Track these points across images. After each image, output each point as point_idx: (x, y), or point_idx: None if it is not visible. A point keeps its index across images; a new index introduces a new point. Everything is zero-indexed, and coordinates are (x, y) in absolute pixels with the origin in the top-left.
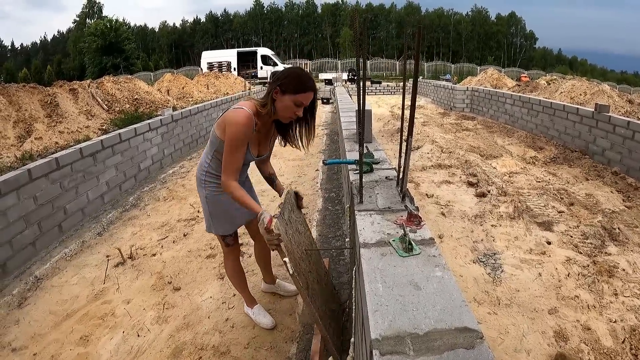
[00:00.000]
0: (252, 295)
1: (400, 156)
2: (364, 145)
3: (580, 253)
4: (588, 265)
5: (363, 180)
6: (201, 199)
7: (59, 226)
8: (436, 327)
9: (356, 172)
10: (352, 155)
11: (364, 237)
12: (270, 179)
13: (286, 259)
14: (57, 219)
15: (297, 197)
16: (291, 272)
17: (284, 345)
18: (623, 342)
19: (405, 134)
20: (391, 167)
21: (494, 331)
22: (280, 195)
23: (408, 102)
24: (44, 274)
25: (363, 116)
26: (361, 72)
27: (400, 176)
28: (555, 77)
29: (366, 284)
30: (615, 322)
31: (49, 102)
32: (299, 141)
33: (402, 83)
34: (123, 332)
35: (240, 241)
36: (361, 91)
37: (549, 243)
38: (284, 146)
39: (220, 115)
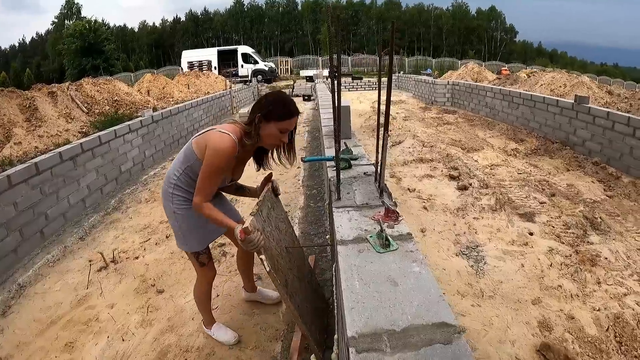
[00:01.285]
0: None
1: (377, 152)
2: (343, 141)
3: (563, 243)
4: (570, 255)
5: (341, 176)
6: (168, 213)
7: (40, 232)
8: (413, 323)
9: (334, 168)
10: (331, 151)
11: (341, 234)
12: (241, 189)
13: (262, 257)
14: (39, 225)
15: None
16: (268, 269)
17: (269, 344)
18: (607, 330)
19: (382, 129)
20: (370, 163)
21: (478, 323)
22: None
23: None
24: (27, 281)
25: (338, 112)
26: (336, 66)
27: (378, 171)
28: (535, 69)
29: (343, 281)
30: (598, 310)
31: (27, 106)
32: (282, 162)
33: (383, 78)
34: (108, 337)
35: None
36: (336, 86)
37: (531, 234)
38: (257, 171)
39: (201, 133)
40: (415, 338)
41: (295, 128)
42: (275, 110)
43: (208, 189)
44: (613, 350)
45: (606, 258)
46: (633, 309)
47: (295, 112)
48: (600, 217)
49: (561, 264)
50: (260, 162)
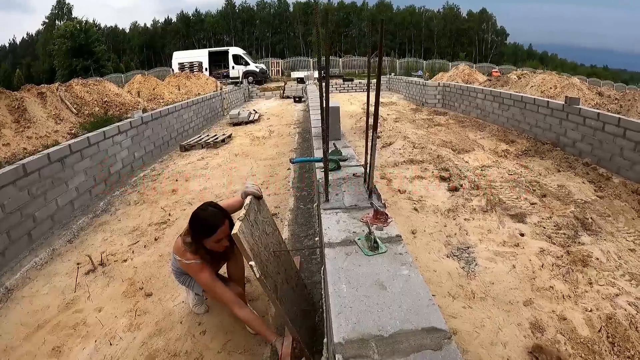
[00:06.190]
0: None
1: (367, 152)
2: (332, 142)
3: (554, 244)
4: (562, 256)
5: (330, 177)
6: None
7: (28, 235)
8: (402, 328)
9: (323, 169)
10: (321, 153)
11: (328, 237)
12: None
13: (252, 263)
14: (26, 228)
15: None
16: (257, 275)
17: (258, 349)
18: (599, 330)
19: (371, 130)
20: (359, 164)
21: (469, 325)
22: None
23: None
24: (15, 285)
25: (327, 112)
26: (324, 65)
27: (367, 173)
28: (526, 71)
29: (330, 285)
30: (590, 311)
31: (16, 106)
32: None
33: (374, 80)
34: (95, 341)
35: None
36: (324, 86)
37: (522, 235)
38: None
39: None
40: (404, 344)
41: (231, 227)
42: (203, 232)
43: (218, 289)
44: (605, 351)
45: (597, 258)
46: (625, 309)
47: (219, 224)
48: (591, 218)
49: (552, 265)
50: (226, 258)
